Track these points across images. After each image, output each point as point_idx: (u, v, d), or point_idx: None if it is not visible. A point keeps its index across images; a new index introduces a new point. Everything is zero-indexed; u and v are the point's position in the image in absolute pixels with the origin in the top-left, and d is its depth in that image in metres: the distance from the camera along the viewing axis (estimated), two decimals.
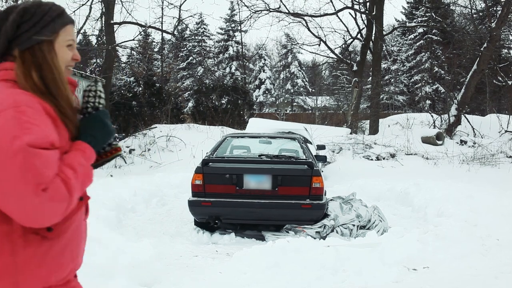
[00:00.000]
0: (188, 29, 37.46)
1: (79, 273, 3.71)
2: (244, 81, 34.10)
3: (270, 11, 21.21)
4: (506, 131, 16.39)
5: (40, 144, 1.35)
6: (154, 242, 5.46)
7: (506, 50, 26.76)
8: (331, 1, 22.36)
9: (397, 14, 73.11)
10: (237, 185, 6.25)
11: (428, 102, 32.23)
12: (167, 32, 24.33)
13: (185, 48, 43.65)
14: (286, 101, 45.65)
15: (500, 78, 22.07)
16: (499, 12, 17.50)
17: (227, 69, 41.87)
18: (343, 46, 24.42)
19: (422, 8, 33.51)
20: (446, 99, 23.17)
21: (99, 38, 29.19)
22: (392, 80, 40.35)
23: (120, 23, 20.73)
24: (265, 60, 47.89)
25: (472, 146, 14.83)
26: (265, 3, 21.18)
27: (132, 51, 27.29)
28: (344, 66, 31.24)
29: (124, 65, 35.15)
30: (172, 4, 21.49)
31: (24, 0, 1.59)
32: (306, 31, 50.96)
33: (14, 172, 1.31)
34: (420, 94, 33.98)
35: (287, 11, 21.38)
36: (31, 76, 1.47)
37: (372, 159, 13.80)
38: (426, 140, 15.25)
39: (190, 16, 25.55)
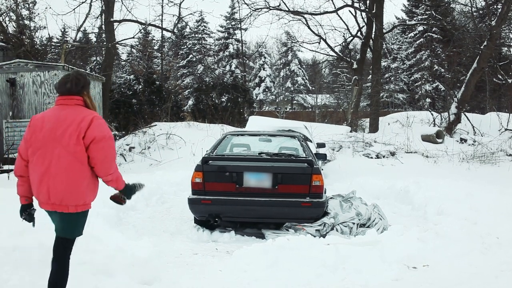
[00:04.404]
0: (188, 27, 37.41)
1: (80, 271, 3.71)
2: (244, 79, 34.08)
3: (270, 9, 21.18)
4: (506, 129, 16.39)
5: None
6: (154, 240, 5.47)
7: (506, 48, 26.72)
8: None
9: (397, 12, 73.12)
10: (237, 183, 6.24)
11: (428, 100, 32.22)
12: (167, 30, 24.33)
13: (185, 46, 43.62)
14: (286, 99, 45.65)
15: (500, 76, 22.03)
16: (499, 10, 17.47)
17: (227, 67, 41.84)
18: (343, 44, 24.42)
19: (422, 6, 33.47)
20: (446, 97, 23.16)
21: (98, 36, 29.21)
22: (392, 78, 40.34)
23: (120, 21, 20.73)
24: (265, 58, 47.87)
25: (472, 144, 14.82)
26: (265, 1, 21.17)
27: (132, 49, 27.28)
28: (344, 64, 31.23)
29: (124, 63, 35.17)
30: (172, 2, 21.51)
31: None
32: (306, 29, 50.80)
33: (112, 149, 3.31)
34: (420, 92, 33.97)
35: (287, 9, 21.37)
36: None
37: (372, 157, 13.80)
38: (426, 138, 15.25)
39: (190, 14, 25.63)
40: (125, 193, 3.53)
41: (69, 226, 3.31)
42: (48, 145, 3.20)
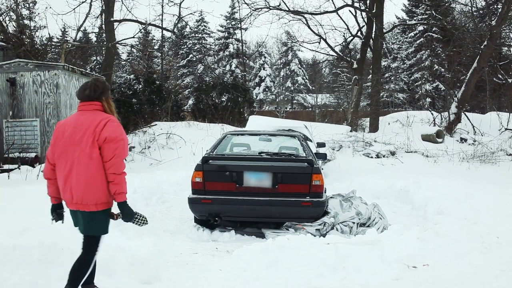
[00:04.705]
0: (188, 26, 37.41)
1: None
2: (244, 78, 34.09)
3: (270, 9, 21.20)
4: (506, 129, 16.38)
5: None
6: (154, 240, 5.47)
7: (506, 48, 26.71)
8: None
9: (397, 11, 73.12)
10: (237, 182, 6.24)
11: (428, 100, 32.22)
12: (167, 30, 24.35)
13: (185, 46, 43.62)
14: (286, 98, 45.64)
15: (500, 76, 22.04)
16: (500, 10, 17.47)
17: (227, 67, 41.85)
18: (343, 44, 24.42)
19: (423, 6, 33.47)
20: (446, 97, 23.16)
21: (99, 36, 29.21)
22: (392, 78, 40.33)
23: (120, 21, 20.75)
24: (265, 57, 47.86)
25: (472, 144, 14.83)
26: (265, 0, 21.18)
27: (132, 49, 27.27)
28: (344, 64, 31.23)
29: (124, 62, 35.16)
30: (172, 1, 21.54)
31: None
32: (306, 28, 50.87)
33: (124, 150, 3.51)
34: (420, 92, 33.97)
35: (287, 9, 21.39)
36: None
37: (372, 157, 13.80)
38: (426, 137, 15.25)
39: (190, 13, 25.59)
40: (122, 211, 3.56)
41: (92, 224, 3.51)
42: (69, 149, 3.46)
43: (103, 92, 3.61)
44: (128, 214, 3.58)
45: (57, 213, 3.67)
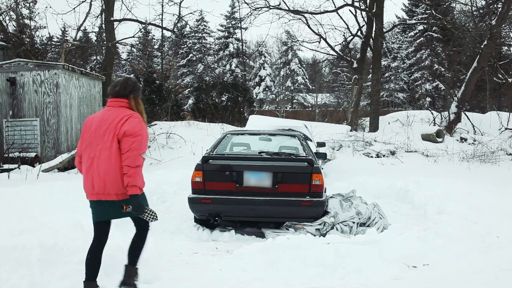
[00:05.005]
0: (188, 26, 37.38)
1: (80, 270, 3.71)
2: (244, 78, 34.07)
3: (270, 8, 21.17)
4: (506, 129, 16.37)
5: None
6: (154, 239, 5.46)
7: (506, 48, 26.67)
8: None
9: (397, 11, 73.10)
10: (237, 182, 6.24)
11: (428, 99, 32.22)
12: (167, 29, 24.31)
13: (185, 45, 43.60)
14: (286, 98, 45.63)
15: (500, 76, 22.00)
16: (500, 9, 17.46)
17: (227, 66, 41.82)
18: (343, 43, 24.40)
19: (423, 5, 33.47)
20: (446, 96, 23.14)
21: (99, 35, 29.20)
22: (392, 77, 40.34)
23: (120, 20, 20.74)
24: (265, 57, 47.85)
25: (472, 143, 14.81)
26: (265, 0, 21.15)
27: (132, 48, 27.26)
28: (344, 63, 31.24)
29: (124, 62, 35.15)
30: (172, 1, 21.52)
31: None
32: (306, 28, 50.92)
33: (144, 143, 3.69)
34: (420, 91, 33.96)
35: (287, 8, 21.36)
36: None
37: (372, 157, 13.79)
38: (426, 137, 15.24)
39: (190, 13, 25.56)
40: (133, 203, 3.64)
41: (117, 210, 3.70)
42: (94, 143, 3.68)
43: (132, 91, 3.84)
44: (139, 208, 3.67)
45: None
